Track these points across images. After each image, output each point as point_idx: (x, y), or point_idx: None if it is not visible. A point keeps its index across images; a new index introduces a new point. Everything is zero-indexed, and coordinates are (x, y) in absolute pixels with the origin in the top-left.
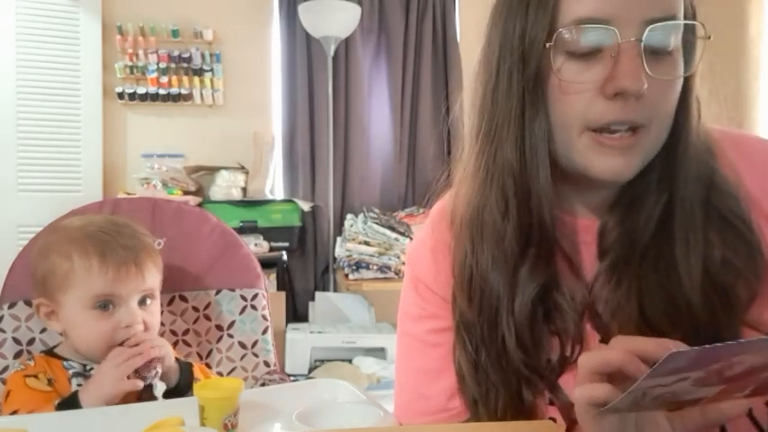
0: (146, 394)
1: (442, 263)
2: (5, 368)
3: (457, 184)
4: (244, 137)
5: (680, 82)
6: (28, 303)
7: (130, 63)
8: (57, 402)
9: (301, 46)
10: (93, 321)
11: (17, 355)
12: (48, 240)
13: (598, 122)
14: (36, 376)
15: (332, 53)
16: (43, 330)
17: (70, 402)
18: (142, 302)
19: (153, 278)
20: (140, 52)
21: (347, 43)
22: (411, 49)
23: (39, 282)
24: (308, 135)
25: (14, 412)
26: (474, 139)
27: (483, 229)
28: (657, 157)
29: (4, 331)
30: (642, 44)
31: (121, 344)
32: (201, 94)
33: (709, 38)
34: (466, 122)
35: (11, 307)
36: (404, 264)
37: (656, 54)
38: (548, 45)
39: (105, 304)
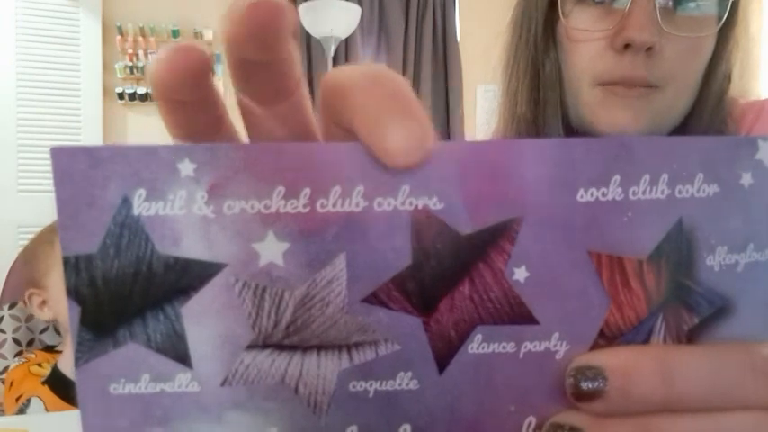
0: None
1: None
2: (5, 368)
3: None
4: (243, 137)
5: (705, 48)
6: None
7: (130, 63)
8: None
9: (301, 46)
10: None
11: (17, 356)
12: (34, 236)
13: (606, 77)
14: (39, 365)
15: (332, 53)
16: (43, 331)
17: None
18: None
19: None
20: (140, 52)
21: (347, 43)
22: (411, 49)
23: (26, 273)
24: None
25: (20, 397)
26: (501, 98)
27: None
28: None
29: (4, 332)
30: None
31: None
32: None
33: None
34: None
35: (11, 307)
36: None
37: (678, 10)
38: None
39: None
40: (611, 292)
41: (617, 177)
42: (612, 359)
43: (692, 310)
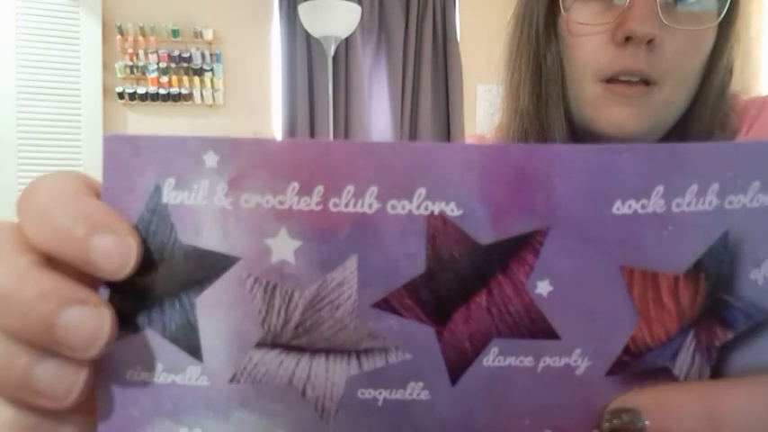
0: None
1: None
2: None
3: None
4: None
5: (706, 42)
6: None
7: (130, 63)
8: None
9: (301, 46)
10: None
11: None
12: None
13: (607, 71)
14: None
15: (332, 53)
16: None
17: None
18: None
19: None
20: (140, 52)
21: (347, 43)
22: (411, 49)
23: None
24: (308, 135)
25: None
26: (503, 92)
27: None
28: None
29: None
30: None
31: None
32: (201, 94)
33: None
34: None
35: None
36: None
37: (679, 5)
38: None
39: None
40: (640, 309)
41: (660, 188)
42: (649, 400)
43: (728, 326)
